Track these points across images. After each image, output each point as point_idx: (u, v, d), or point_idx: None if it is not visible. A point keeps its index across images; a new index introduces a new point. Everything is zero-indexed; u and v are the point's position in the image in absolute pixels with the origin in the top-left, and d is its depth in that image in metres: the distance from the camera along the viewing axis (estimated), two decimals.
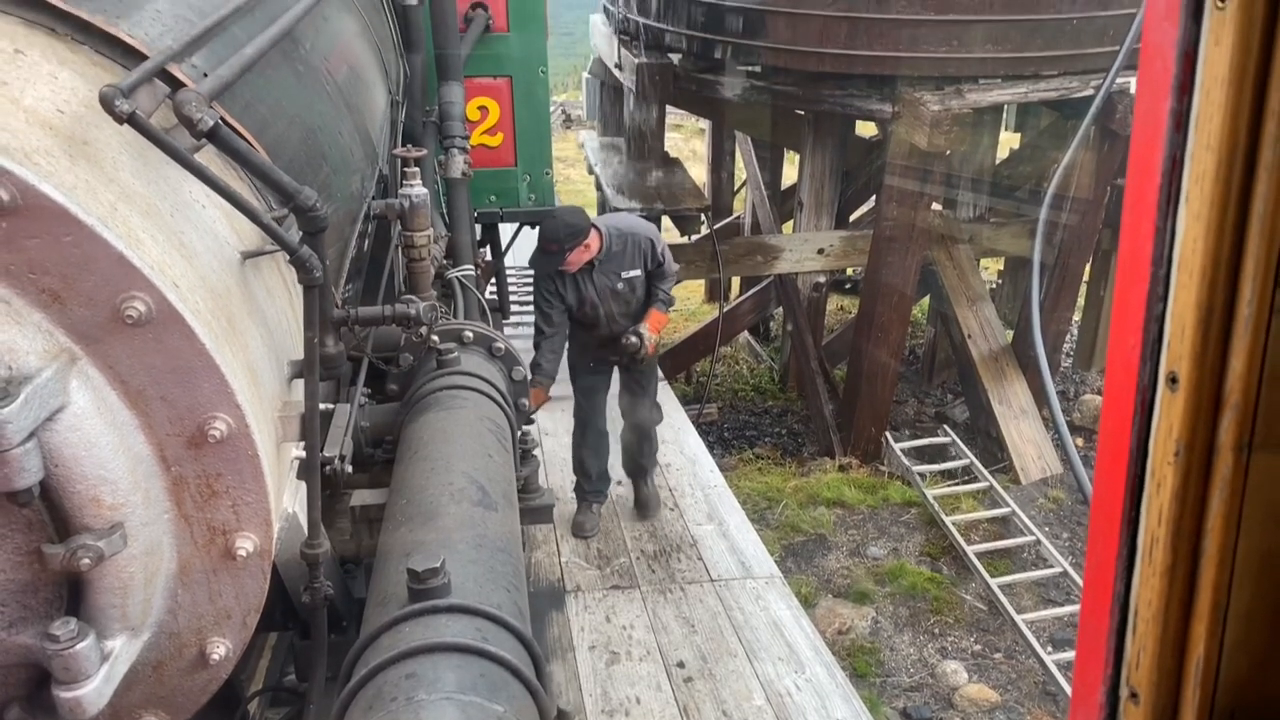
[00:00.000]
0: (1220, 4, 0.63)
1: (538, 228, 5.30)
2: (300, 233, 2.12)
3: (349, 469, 2.57)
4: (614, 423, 6.00)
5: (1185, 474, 0.72)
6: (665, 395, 8.05)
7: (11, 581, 1.73)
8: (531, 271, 10.23)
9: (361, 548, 2.80)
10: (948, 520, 8.31)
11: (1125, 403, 0.74)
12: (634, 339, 5.39)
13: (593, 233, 5.18)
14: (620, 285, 5.36)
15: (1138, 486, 0.75)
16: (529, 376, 3.70)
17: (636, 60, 9.22)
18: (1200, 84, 0.66)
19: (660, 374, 6.74)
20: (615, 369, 5.79)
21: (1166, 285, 0.70)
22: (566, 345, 5.51)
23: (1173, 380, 0.71)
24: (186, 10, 2.51)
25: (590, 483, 6.05)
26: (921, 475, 9.05)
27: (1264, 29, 0.62)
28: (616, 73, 10.31)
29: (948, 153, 8.46)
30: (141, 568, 1.81)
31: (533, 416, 5.15)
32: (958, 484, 9.05)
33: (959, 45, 8.08)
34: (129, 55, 2.11)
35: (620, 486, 6.32)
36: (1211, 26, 0.64)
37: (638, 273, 5.38)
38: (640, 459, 6.11)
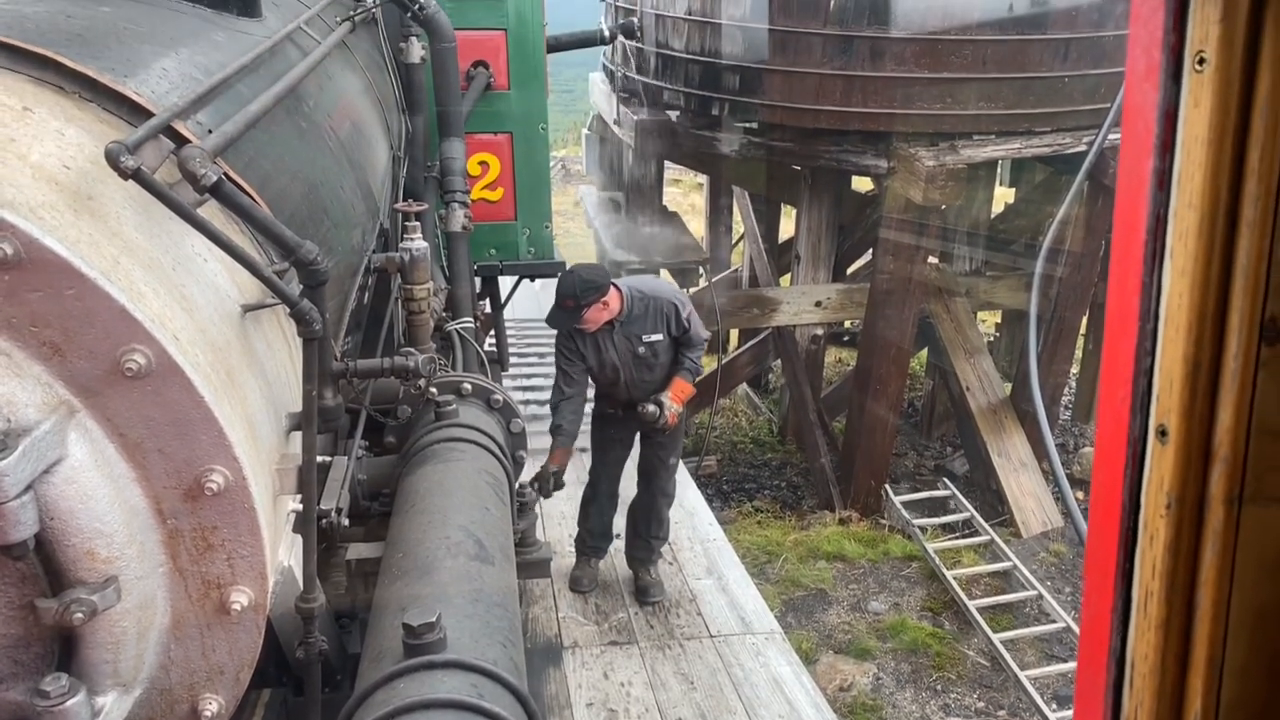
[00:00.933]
0: (1198, 67, 0.65)
1: (557, 284, 5.07)
2: (301, 286, 2.13)
3: (345, 522, 2.56)
4: (629, 489, 5.88)
5: (1177, 527, 0.72)
6: None
7: (3, 637, 1.71)
8: (530, 325, 10.31)
9: (357, 602, 2.77)
10: (949, 574, 8.24)
11: (1117, 455, 0.75)
12: (652, 408, 5.16)
13: (613, 291, 5.00)
14: (642, 349, 5.12)
15: (1131, 539, 0.75)
16: (526, 429, 3.70)
17: (635, 117, 9.36)
18: (1181, 143, 0.67)
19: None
20: (637, 437, 5.60)
21: (1154, 339, 0.71)
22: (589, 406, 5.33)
23: (1162, 433, 0.72)
24: (193, 68, 2.56)
25: (592, 538, 5.90)
26: (922, 529, 8.99)
27: (1241, 91, 0.64)
28: (616, 129, 10.46)
29: (943, 207, 8.55)
30: (135, 622, 1.80)
31: (563, 479, 5.14)
32: (958, 537, 8.99)
33: (953, 102, 8.21)
34: (135, 112, 2.15)
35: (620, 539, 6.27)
36: (1191, 88, 0.66)
37: (660, 337, 5.14)
38: (647, 536, 5.81)
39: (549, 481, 5.11)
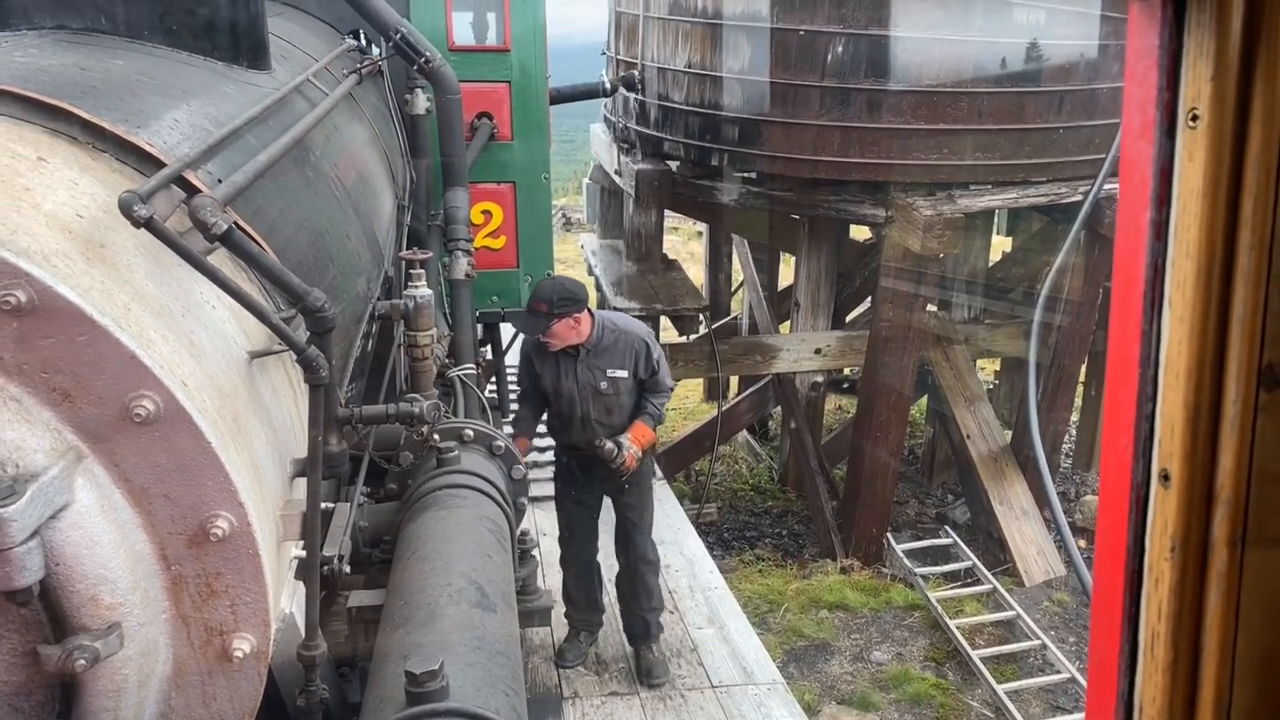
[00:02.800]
0: (1192, 123, 0.68)
1: (533, 288, 4.93)
2: (308, 333, 2.16)
3: (347, 569, 2.56)
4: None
5: (1182, 569, 0.73)
6: (664, 494, 8.01)
7: (5, 684, 1.70)
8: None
9: (358, 650, 2.76)
10: (952, 624, 8.16)
11: (1121, 500, 0.76)
12: (610, 445, 4.88)
13: (586, 314, 4.79)
14: (604, 384, 4.87)
15: (1137, 583, 0.76)
16: (528, 476, 3.70)
17: (636, 167, 9.47)
18: (1177, 196, 0.70)
19: (659, 473, 6.57)
20: (604, 499, 5.34)
21: (1155, 386, 0.73)
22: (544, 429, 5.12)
23: (1165, 477, 0.73)
24: (203, 119, 2.61)
25: (577, 610, 5.54)
26: (924, 577, 8.93)
27: (1234, 146, 0.66)
28: (616, 179, 10.57)
29: (941, 256, 8.61)
30: (136, 669, 1.79)
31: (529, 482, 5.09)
32: (961, 586, 8.92)
33: (949, 153, 8.31)
34: (147, 162, 2.19)
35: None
36: (1185, 143, 0.69)
37: (624, 374, 4.89)
38: (642, 611, 5.40)
39: None
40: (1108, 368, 0.78)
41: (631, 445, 4.94)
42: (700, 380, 13.19)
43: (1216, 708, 0.73)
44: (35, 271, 1.62)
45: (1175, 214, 0.70)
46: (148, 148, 2.20)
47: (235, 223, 2.05)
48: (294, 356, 2.14)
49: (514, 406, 8.83)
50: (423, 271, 3.34)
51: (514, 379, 10.19)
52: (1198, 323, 0.70)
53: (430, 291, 3.30)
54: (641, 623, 5.46)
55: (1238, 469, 0.70)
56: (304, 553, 2.24)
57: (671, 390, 5.26)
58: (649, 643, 5.49)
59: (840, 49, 8.08)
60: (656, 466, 6.30)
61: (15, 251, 1.62)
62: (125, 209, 1.76)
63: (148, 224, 1.79)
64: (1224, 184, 0.67)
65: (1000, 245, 11.91)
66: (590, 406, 4.92)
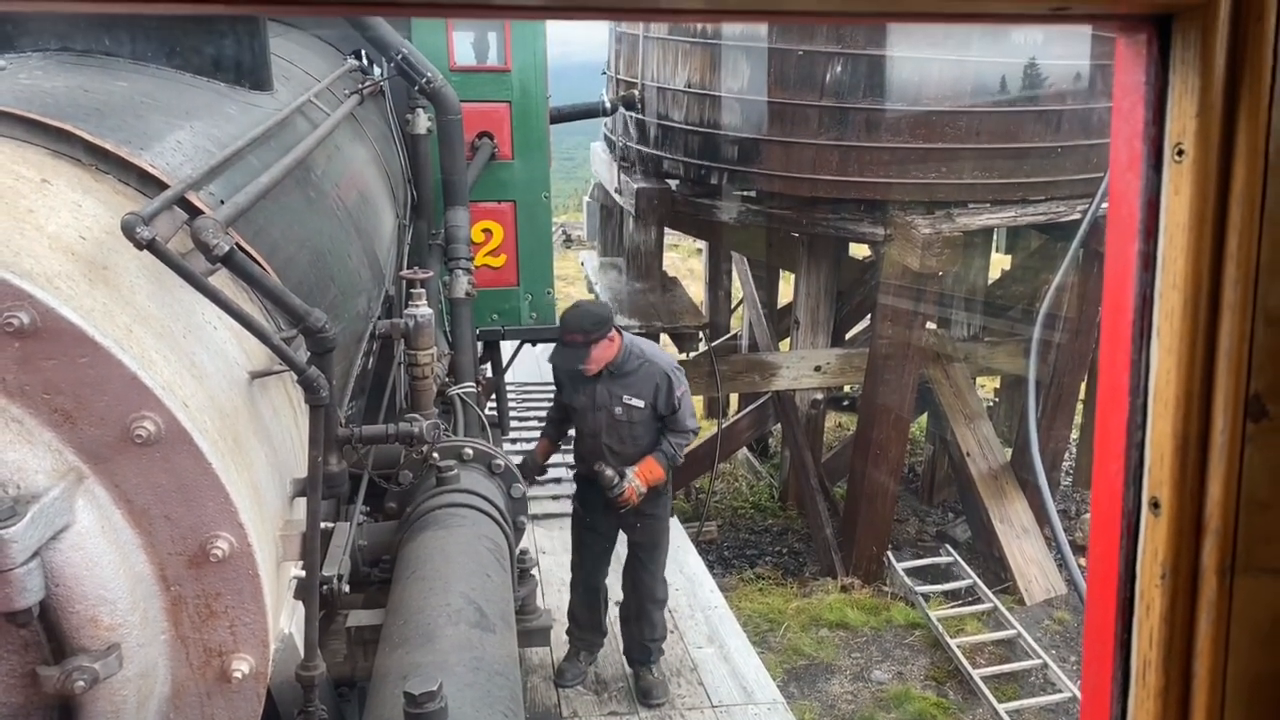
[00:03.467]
0: (1177, 158, 0.69)
1: (560, 319, 4.78)
2: (309, 353, 2.17)
3: (346, 589, 2.56)
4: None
5: (1172, 597, 0.74)
6: None
7: (4, 706, 1.70)
8: (531, 389, 10.33)
9: (356, 670, 2.75)
10: (952, 643, 8.13)
11: (1112, 527, 0.77)
12: (610, 472, 4.74)
13: (616, 332, 4.71)
14: (619, 410, 4.74)
15: (1128, 609, 0.77)
16: (527, 495, 3.70)
17: (636, 185, 9.51)
18: (1164, 229, 0.71)
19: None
20: (620, 532, 5.28)
21: (1144, 414, 0.74)
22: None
23: (1155, 505, 0.74)
24: (206, 140, 2.62)
25: (580, 631, 5.51)
26: (925, 596, 8.90)
27: (1219, 180, 0.68)
28: (616, 197, 10.62)
29: (940, 274, 8.64)
30: (135, 690, 1.79)
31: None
32: (961, 605, 8.90)
33: (948, 171, 8.35)
34: (150, 183, 2.20)
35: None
36: (1171, 177, 0.70)
37: (641, 404, 4.74)
38: (643, 639, 5.39)
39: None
40: (1098, 396, 0.79)
41: (635, 479, 4.78)
42: (700, 398, 13.19)
43: None
44: (38, 293, 1.63)
45: (1162, 246, 0.72)
46: (150, 169, 2.22)
47: (237, 244, 2.06)
48: (295, 376, 2.15)
49: (514, 425, 8.86)
50: (423, 290, 3.36)
51: (514, 396, 10.22)
52: (1185, 353, 0.71)
53: (430, 310, 3.32)
54: (642, 649, 5.44)
55: (1226, 497, 0.71)
56: (303, 573, 2.25)
57: (694, 433, 5.09)
58: (649, 666, 5.48)
59: (839, 69, 8.13)
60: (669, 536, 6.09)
61: (19, 274, 1.64)
62: (128, 231, 1.78)
63: (150, 246, 1.80)
64: (1209, 218, 0.68)
65: (999, 263, 11.94)
66: (603, 430, 4.81)
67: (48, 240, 1.79)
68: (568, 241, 22.64)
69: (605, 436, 4.82)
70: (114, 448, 1.72)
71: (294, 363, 2.08)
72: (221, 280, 2.11)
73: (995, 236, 10.61)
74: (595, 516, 5.14)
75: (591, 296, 10.35)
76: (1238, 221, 0.67)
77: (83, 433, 1.69)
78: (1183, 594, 0.74)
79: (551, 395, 5.35)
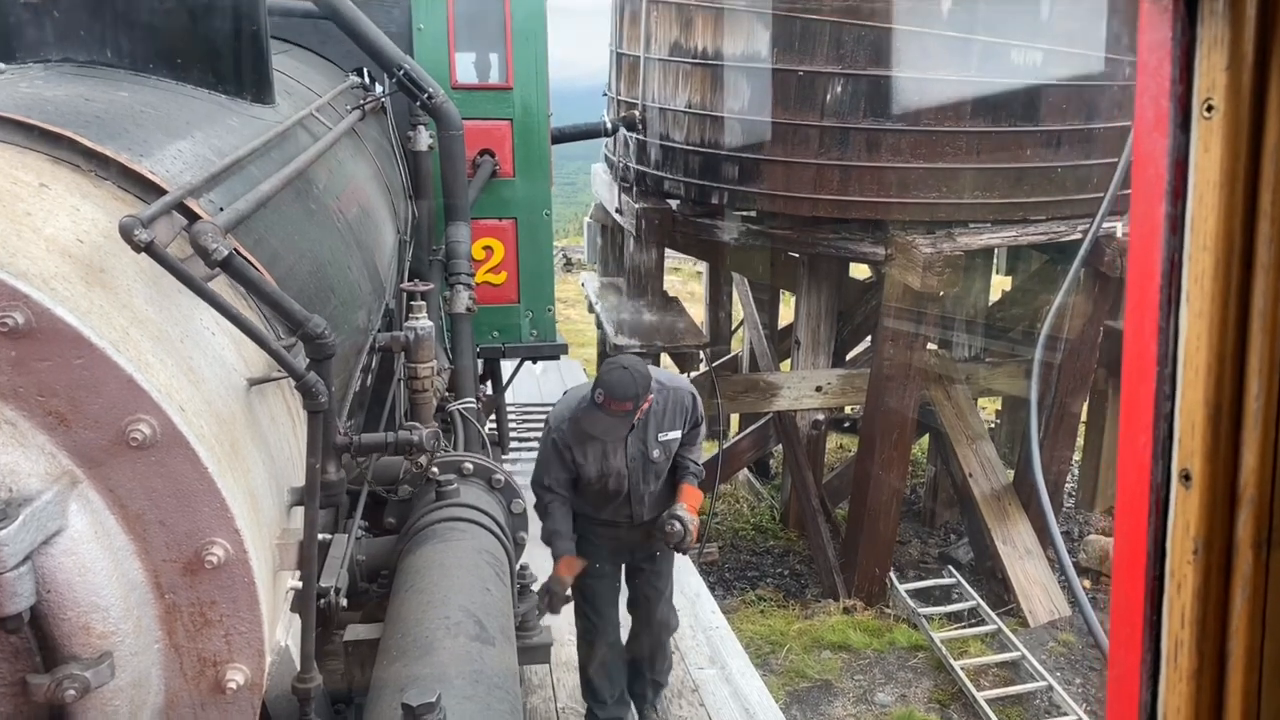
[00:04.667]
0: (1207, 114, 0.67)
1: (600, 385, 4.06)
2: (307, 359, 2.14)
3: (344, 603, 2.52)
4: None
5: (1205, 573, 0.71)
6: None
7: None
8: (531, 408, 10.29)
9: (353, 684, 2.71)
10: (956, 665, 8.05)
11: (1140, 502, 0.74)
12: (676, 524, 4.26)
13: None
14: (655, 452, 4.30)
15: (1158, 588, 0.74)
16: (527, 510, 3.66)
17: (636, 205, 9.52)
18: (1193, 189, 0.68)
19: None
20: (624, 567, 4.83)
21: (1174, 383, 0.71)
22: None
23: (1186, 477, 0.71)
24: (207, 150, 2.61)
25: (604, 710, 4.88)
26: (928, 618, 8.83)
27: (1250, 135, 0.65)
28: (617, 217, 10.63)
29: (941, 294, 8.63)
30: (127, 700, 1.75)
31: (567, 594, 4.43)
32: (965, 626, 8.82)
33: (948, 191, 8.36)
34: (149, 190, 2.19)
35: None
36: (1200, 135, 0.68)
37: (675, 435, 4.34)
38: (651, 673, 5.06)
39: (560, 597, 4.42)
40: (1124, 367, 0.77)
41: (691, 517, 4.36)
42: None
43: (1244, 718, 0.70)
44: (34, 294, 1.61)
45: (1191, 207, 0.69)
46: (150, 176, 2.21)
47: (236, 249, 2.05)
48: (293, 383, 2.12)
49: (514, 444, 8.80)
50: (424, 303, 3.34)
51: (514, 414, 10.18)
52: (1217, 317, 0.68)
53: (431, 323, 3.29)
54: (653, 685, 5.16)
55: (1261, 467, 0.68)
56: (300, 585, 2.21)
57: (704, 436, 4.74)
58: (653, 703, 5.22)
59: (839, 89, 8.16)
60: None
61: (14, 274, 1.61)
62: (126, 233, 1.76)
63: (148, 248, 1.78)
64: (1241, 175, 0.66)
65: (1000, 284, 11.94)
66: (639, 481, 4.38)
67: (44, 242, 1.77)
68: (568, 265, 22.68)
69: (643, 484, 4.41)
70: (109, 451, 1.69)
71: (292, 368, 2.05)
72: (220, 286, 2.09)
73: (996, 257, 10.62)
74: (599, 558, 4.62)
75: (591, 317, 10.34)
76: (1270, 178, 0.65)
77: (77, 436, 1.67)
78: (1216, 570, 0.71)
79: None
